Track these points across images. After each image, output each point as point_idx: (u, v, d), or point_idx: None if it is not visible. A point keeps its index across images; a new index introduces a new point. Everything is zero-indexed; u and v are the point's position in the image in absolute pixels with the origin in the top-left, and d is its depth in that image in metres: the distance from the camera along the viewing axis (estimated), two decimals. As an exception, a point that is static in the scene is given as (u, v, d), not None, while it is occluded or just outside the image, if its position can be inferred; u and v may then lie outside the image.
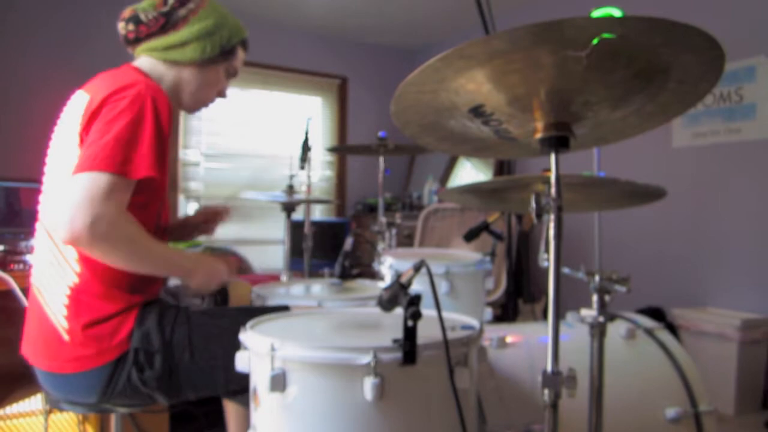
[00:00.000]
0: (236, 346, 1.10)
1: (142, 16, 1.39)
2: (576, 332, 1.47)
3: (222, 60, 1.46)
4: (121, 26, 1.41)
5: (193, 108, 1.53)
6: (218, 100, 1.56)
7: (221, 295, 1.70)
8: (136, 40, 1.41)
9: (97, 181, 1.14)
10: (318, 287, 1.95)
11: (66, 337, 1.25)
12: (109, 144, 1.16)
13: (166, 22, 1.38)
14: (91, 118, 1.22)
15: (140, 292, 1.31)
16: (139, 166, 1.18)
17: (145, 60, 1.43)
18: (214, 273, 1.35)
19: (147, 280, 1.32)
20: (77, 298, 1.25)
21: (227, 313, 1.52)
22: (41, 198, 1.37)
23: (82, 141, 1.25)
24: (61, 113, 1.38)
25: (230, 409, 1.51)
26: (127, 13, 1.41)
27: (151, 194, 1.31)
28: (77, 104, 1.31)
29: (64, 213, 1.12)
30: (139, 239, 1.21)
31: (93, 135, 1.19)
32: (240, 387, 1.22)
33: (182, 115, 4.48)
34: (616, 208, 1.46)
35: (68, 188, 1.15)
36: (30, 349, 1.33)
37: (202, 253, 1.43)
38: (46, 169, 1.36)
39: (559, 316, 1.01)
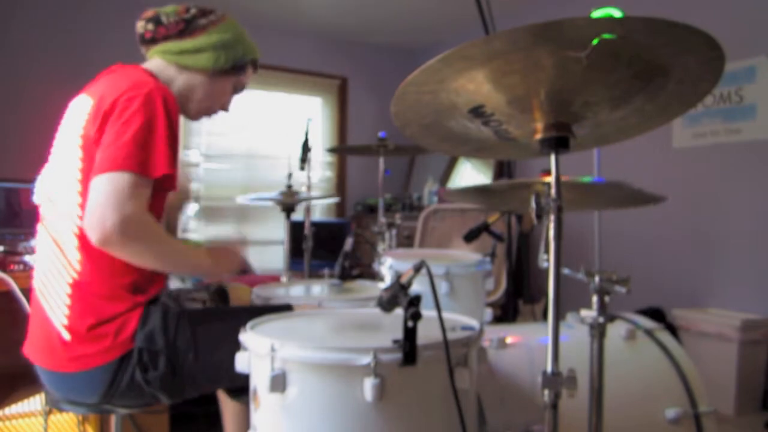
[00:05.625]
0: (239, 345, 1.10)
1: (164, 19, 1.42)
2: (576, 333, 1.47)
3: (232, 74, 1.49)
4: (140, 25, 1.44)
5: (196, 116, 1.54)
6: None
7: (222, 298, 1.70)
8: (152, 41, 1.43)
9: (121, 181, 1.16)
10: (318, 288, 1.95)
11: (69, 337, 1.25)
12: (128, 144, 1.19)
13: (185, 28, 1.42)
14: (104, 119, 1.23)
15: (142, 291, 1.31)
16: (158, 164, 1.21)
17: (156, 62, 1.44)
18: (233, 260, 1.46)
19: (149, 280, 1.33)
20: (80, 299, 1.26)
21: (230, 312, 1.52)
22: (43, 200, 1.36)
23: (85, 143, 1.26)
24: (61, 114, 1.38)
25: (227, 408, 1.51)
26: (149, 13, 1.43)
27: (162, 193, 1.33)
28: (79, 109, 1.32)
29: (92, 215, 1.15)
30: (165, 238, 1.26)
31: (109, 136, 1.21)
32: (243, 386, 1.22)
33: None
34: (615, 209, 1.46)
35: (93, 190, 1.17)
36: (33, 349, 1.33)
37: (213, 247, 1.50)
38: (49, 173, 1.36)
39: (559, 317, 1.01)
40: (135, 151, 1.18)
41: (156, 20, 1.42)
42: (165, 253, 1.26)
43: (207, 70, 1.44)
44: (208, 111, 1.54)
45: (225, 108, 1.57)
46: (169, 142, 1.24)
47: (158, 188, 1.26)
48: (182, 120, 1.60)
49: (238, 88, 1.55)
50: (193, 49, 1.42)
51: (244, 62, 1.50)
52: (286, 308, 1.41)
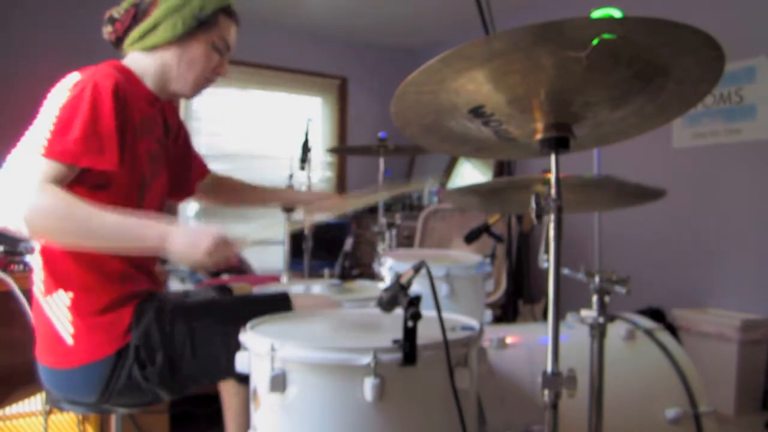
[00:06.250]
0: (236, 334, 1.10)
1: (116, 14, 1.39)
2: (576, 333, 1.47)
3: (201, 32, 1.39)
4: (104, 32, 1.42)
5: (189, 91, 1.46)
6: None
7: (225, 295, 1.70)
8: (119, 40, 1.41)
9: (20, 163, 1.17)
10: (318, 288, 1.95)
11: (63, 332, 1.25)
12: (34, 131, 1.19)
13: (137, 12, 1.38)
14: None
15: (132, 279, 1.30)
16: (63, 147, 1.18)
17: (129, 57, 1.42)
18: (197, 242, 1.17)
19: (137, 268, 1.33)
20: (70, 292, 1.26)
21: (225, 302, 1.52)
22: None
23: None
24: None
25: (228, 406, 1.51)
26: (105, 16, 1.41)
27: (110, 176, 1.26)
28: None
29: None
30: (71, 211, 1.13)
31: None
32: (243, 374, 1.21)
33: (182, 116, 4.48)
34: (615, 208, 1.46)
35: None
36: (37, 347, 1.33)
37: (186, 222, 1.27)
38: None
39: (559, 317, 1.01)
40: (48, 135, 1.18)
41: (111, 20, 1.40)
42: (73, 225, 1.14)
43: (170, 41, 1.37)
44: (199, 81, 1.44)
45: (219, 72, 1.46)
46: (87, 125, 1.18)
47: (92, 183, 1.23)
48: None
49: (219, 47, 1.42)
50: (151, 27, 1.36)
51: (207, 15, 1.37)
52: (282, 298, 1.41)
